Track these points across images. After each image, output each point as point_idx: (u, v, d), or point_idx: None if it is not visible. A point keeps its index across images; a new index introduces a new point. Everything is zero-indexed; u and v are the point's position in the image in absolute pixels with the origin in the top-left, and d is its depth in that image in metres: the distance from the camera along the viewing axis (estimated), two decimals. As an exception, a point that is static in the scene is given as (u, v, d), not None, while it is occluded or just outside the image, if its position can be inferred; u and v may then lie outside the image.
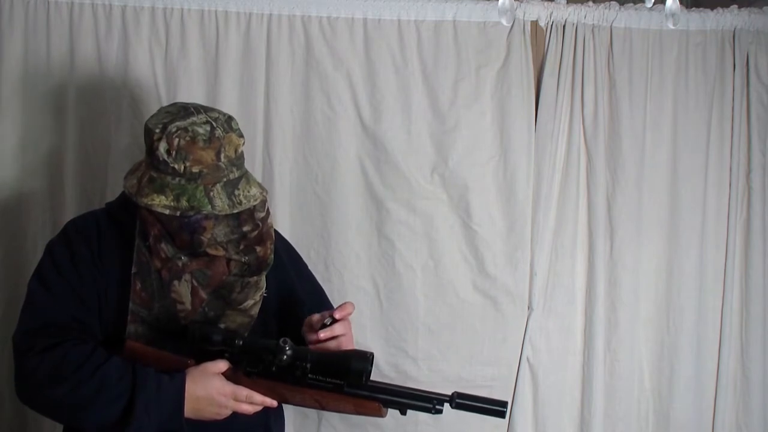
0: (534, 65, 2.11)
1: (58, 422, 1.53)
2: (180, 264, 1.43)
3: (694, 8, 2.19)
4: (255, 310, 1.51)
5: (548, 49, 2.11)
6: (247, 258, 1.45)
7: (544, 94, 2.11)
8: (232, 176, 1.41)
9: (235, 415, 1.45)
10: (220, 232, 1.42)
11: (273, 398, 1.44)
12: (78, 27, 1.99)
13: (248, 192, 1.43)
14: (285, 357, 1.40)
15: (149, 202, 1.39)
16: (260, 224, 1.46)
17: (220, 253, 1.43)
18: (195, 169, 1.38)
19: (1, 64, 1.97)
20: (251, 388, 1.42)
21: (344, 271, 2.08)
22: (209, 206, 1.37)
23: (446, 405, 1.44)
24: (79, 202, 1.98)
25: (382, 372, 2.10)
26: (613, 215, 2.13)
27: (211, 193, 1.38)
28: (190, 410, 1.38)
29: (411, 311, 2.10)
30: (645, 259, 2.14)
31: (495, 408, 1.42)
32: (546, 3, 2.11)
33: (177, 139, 1.38)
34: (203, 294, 1.45)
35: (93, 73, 2.01)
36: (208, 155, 1.38)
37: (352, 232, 2.09)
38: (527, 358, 2.14)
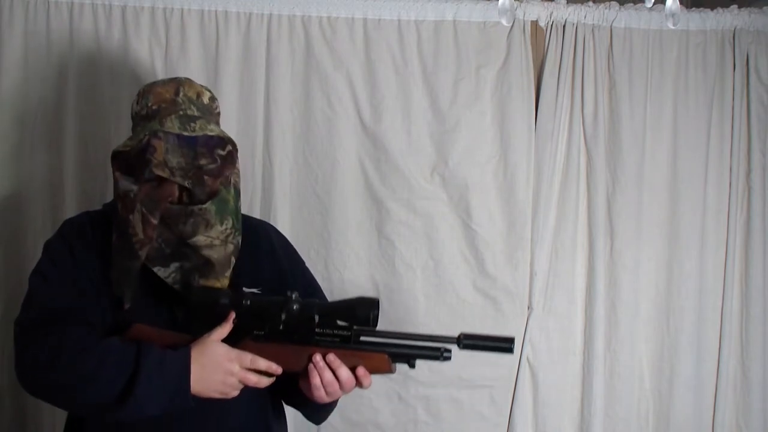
0: (534, 65, 2.11)
1: (63, 406, 1.48)
2: (132, 195, 1.44)
3: (694, 8, 2.19)
4: (215, 255, 1.47)
5: (548, 49, 2.11)
6: (190, 182, 1.45)
7: (544, 94, 2.11)
8: (190, 112, 1.46)
9: (234, 413, 1.45)
10: (173, 159, 1.43)
11: (279, 364, 1.42)
12: (78, 27, 1.99)
13: (206, 127, 1.45)
14: (294, 308, 1.40)
15: (118, 149, 1.47)
16: (218, 160, 1.46)
17: (165, 174, 1.42)
18: (155, 107, 1.46)
19: (1, 64, 1.98)
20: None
21: (344, 271, 2.08)
22: (159, 126, 1.43)
23: (454, 348, 1.41)
24: (79, 202, 1.98)
25: (382, 372, 2.10)
26: (613, 215, 2.13)
27: (165, 120, 1.44)
28: (196, 380, 1.36)
29: (411, 311, 2.10)
30: (645, 259, 2.14)
31: (502, 345, 1.40)
32: (546, 3, 2.11)
33: (143, 87, 1.52)
34: (153, 220, 1.43)
35: (93, 72, 2.01)
36: (167, 92, 1.47)
37: (352, 232, 2.09)
38: (527, 358, 2.14)
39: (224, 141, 1.48)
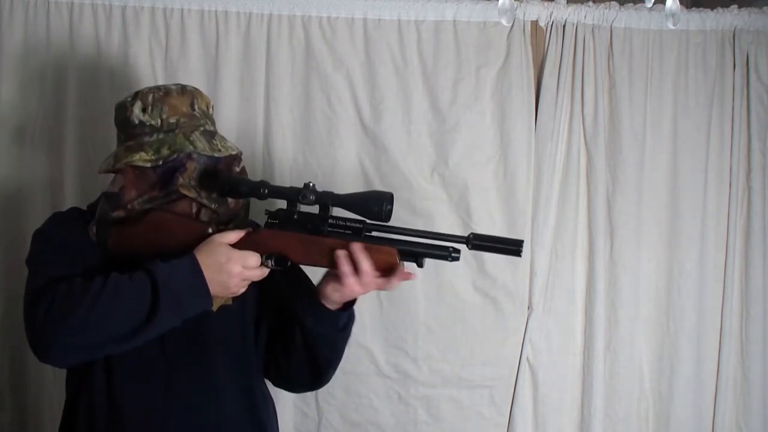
0: (534, 65, 2.11)
1: (90, 348, 1.33)
2: (145, 207, 1.43)
3: (694, 8, 2.19)
4: None
5: (548, 49, 2.11)
6: (216, 206, 1.46)
7: (544, 94, 2.11)
8: (207, 128, 1.47)
9: (222, 402, 1.46)
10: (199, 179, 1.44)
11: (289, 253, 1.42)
12: (78, 27, 2.00)
13: (225, 143, 1.47)
14: (311, 197, 1.41)
15: (130, 160, 1.41)
16: None
17: (192, 194, 1.43)
18: (172, 120, 1.43)
19: (1, 64, 1.98)
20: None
21: (344, 271, 2.08)
22: (191, 147, 1.41)
23: (463, 247, 1.40)
24: (79, 202, 1.98)
25: (382, 372, 2.10)
26: (613, 215, 2.13)
27: (191, 137, 1.42)
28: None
29: (411, 311, 2.10)
30: (645, 259, 2.14)
31: (510, 248, 1.38)
32: (546, 3, 2.11)
33: (151, 95, 1.44)
34: None
35: (93, 73, 2.01)
36: (183, 104, 1.45)
37: (352, 232, 2.08)
38: (527, 358, 2.14)
39: (239, 158, 1.50)
